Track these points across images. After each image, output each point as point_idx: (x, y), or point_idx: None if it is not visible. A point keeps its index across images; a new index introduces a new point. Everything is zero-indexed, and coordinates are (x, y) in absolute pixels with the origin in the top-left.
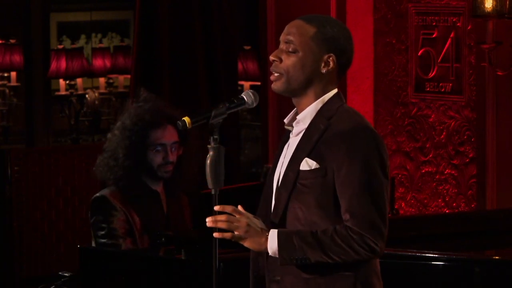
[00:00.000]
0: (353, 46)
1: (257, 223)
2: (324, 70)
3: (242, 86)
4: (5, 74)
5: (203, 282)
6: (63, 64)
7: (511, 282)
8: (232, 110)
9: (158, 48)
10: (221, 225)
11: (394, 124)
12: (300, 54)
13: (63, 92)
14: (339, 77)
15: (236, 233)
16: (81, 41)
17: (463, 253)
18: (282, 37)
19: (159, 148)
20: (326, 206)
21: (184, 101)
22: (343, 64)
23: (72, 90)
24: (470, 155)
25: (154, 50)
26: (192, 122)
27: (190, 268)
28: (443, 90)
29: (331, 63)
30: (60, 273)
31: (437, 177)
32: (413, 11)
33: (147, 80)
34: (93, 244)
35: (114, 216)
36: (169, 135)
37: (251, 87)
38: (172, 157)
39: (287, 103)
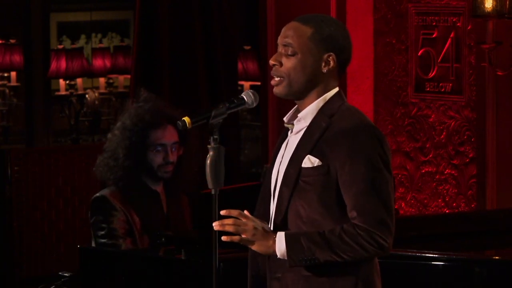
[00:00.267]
0: (351, 43)
1: (264, 226)
2: (325, 70)
3: (242, 86)
4: (5, 74)
5: (203, 282)
6: (63, 64)
7: (511, 282)
8: (232, 110)
9: (158, 48)
10: (228, 228)
11: (394, 124)
12: (300, 56)
13: (63, 92)
14: (339, 75)
15: (243, 236)
16: (81, 41)
17: (463, 253)
18: (280, 40)
19: (159, 148)
20: (328, 204)
21: (184, 101)
22: (343, 61)
23: (72, 90)
24: (470, 155)
25: (154, 50)
26: (192, 122)
27: (190, 268)
28: (443, 90)
29: (331, 62)
30: (60, 273)
31: (437, 177)
32: (413, 11)
33: (147, 80)
34: (93, 244)
35: (114, 216)
36: (169, 135)
37: (251, 87)
38: (172, 158)
39: (287, 103)
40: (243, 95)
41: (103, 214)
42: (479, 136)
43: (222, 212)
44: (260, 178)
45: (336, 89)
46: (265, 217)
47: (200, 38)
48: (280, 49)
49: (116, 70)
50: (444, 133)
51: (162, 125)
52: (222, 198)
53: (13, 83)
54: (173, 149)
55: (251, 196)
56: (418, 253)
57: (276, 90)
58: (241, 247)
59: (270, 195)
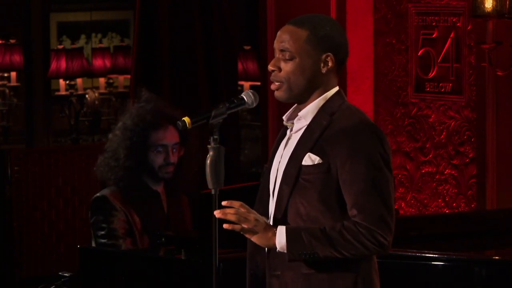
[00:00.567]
0: (347, 39)
1: (265, 219)
2: (324, 70)
3: (242, 86)
4: (5, 74)
5: (203, 282)
6: (63, 64)
7: (511, 282)
8: (232, 110)
9: (158, 48)
10: (230, 217)
11: (394, 124)
12: (298, 59)
13: (63, 92)
14: (338, 73)
15: (244, 226)
16: (81, 41)
17: (463, 253)
18: (276, 45)
19: (160, 149)
20: (328, 202)
21: (184, 101)
22: (341, 59)
23: (72, 90)
24: (470, 155)
25: (154, 50)
26: (192, 122)
27: (190, 268)
28: (443, 90)
29: (329, 62)
30: (60, 273)
31: (437, 177)
32: (413, 11)
33: (147, 80)
34: (93, 244)
35: (114, 216)
36: (170, 136)
37: (251, 87)
38: (173, 158)
39: (287, 103)
40: (243, 95)
41: (103, 214)
42: (479, 136)
43: (224, 203)
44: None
45: (336, 88)
46: (264, 217)
47: (200, 38)
48: (277, 54)
49: (116, 70)
50: (444, 133)
51: (163, 126)
52: (222, 198)
53: (13, 83)
54: (174, 150)
55: (251, 196)
56: (418, 253)
57: (277, 94)
58: (241, 247)
59: (269, 194)
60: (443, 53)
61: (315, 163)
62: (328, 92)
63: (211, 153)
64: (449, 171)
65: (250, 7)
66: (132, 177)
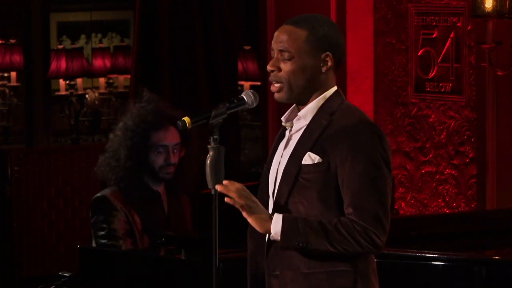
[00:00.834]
0: (344, 39)
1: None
2: (324, 69)
3: (242, 86)
4: (5, 74)
5: (203, 282)
6: (63, 64)
7: (511, 282)
8: (232, 110)
9: (158, 48)
10: (232, 193)
11: (394, 124)
12: (297, 59)
13: (63, 92)
14: (336, 73)
15: (243, 202)
16: (81, 41)
17: (463, 253)
18: (274, 46)
19: (161, 149)
20: (328, 201)
21: (184, 101)
22: (339, 59)
23: (72, 90)
24: (470, 155)
25: (154, 50)
26: (192, 122)
27: (190, 268)
28: (443, 90)
29: (329, 61)
30: (60, 273)
31: (437, 177)
32: (413, 11)
33: (147, 80)
34: (93, 244)
35: (114, 217)
36: (171, 137)
37: (251, 87)
38: (174, 159)
39: (287, 103)
40: (243, 95)
41: (103, 214)
42: (479, 136)
43: (225, 182)
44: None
45: (335, 88)
46: None
47: (200, 38)
48: (276, 54)
49: (116, 70)
50: (444, 133)
51: (164, 127)
52: (222, 198)
53: (13, 83)
54: (175, 151)
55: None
56: (418, 253)
57: (277, 96)
58: (241, 247)
59: (268, 195)
60: (443, 53)
61: (315, 162)
62: (327, 92)
63: (211, 153)
64: (449, 171)
65: (250, 7)
66: (132, 177)
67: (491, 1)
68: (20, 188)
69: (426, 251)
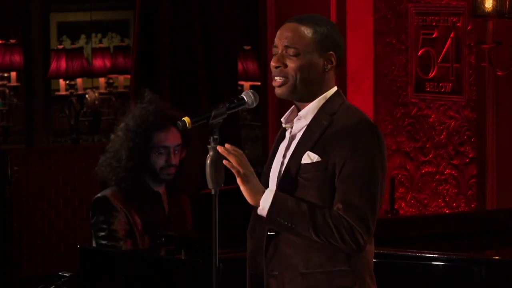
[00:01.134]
0: (344, 39)
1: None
2: (327, 68)
3: (242, 86)
4: (5, 74)
5: (203, 282)
6: (63, 64)
7: (511, 282)
8: (232, 110)
9: (158, 48)
10: (231, 157)
11: (394, 124)
12: (304, 56)
13: (63, 92)
14: (336, 73)
15: (240, 168)
16: (81, 41)
17: (463, 253)
18: (279, 42)
19: (162, 150)
20: (327, 201)
21: (184, 101)
22: (340, 59)
23: (72, 90)
24: (470, 155)
25: (154, 50)
26: (192, 122)
27: (190, 268)
28: (443, 90)
29: (333, 60)
30: (60, 273)
31: (437, 177)
32: (413, 11)
33: (147, 80)
34: (93, 245)
35: (115, 217)
36: (172, 138)
37: (251, 87)
38: (175, 160)
39: (287, 103)
40: (243, 95)
41: (104, 214)
42: (479, 136)
43: (227, 146)
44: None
45: (335, 88)
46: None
47: (200, 38)
48: (280, 50)
49: (116, 70)
50: (444, 133)
51: (166, 127)
52: (222, 198)
53: (13, 83)
54: (176, 152)
55: None
56: (418, 253)
57: (279, 91)
58: (241, 247)
59: None
60: (443, 53)
61: (314, 161)
62: (328, 92)
63: (211, 153)
64: (449, 171)
65: (250, 7)
66: (133, 178)
67: (491, 1)
68: (20, 188)
69: (426, 251)
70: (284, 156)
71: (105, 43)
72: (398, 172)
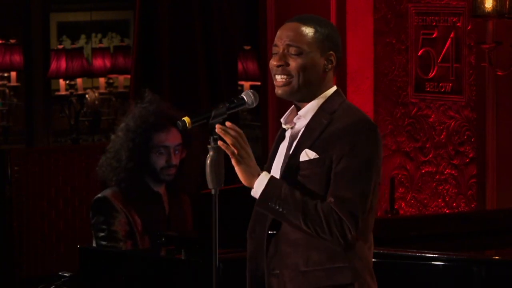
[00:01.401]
0: (342, 41)
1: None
2: (328, 68)
3: (242, 86)
4: (5, 74)
5: (203, 282)
6: (63, 64)
7: (511, 282)
8: (232, 110)
9: (158, 48)
10: (227, 138)
11: (394, 124)
12: (306, 55)
13: (63, 92)
14: (335, 73)
15: (235, 151)
16: (81, 41)
17: (463, 253)
18: (279, 42)
19: (162, 150)
20: (324, 197)
21: (184, 101)
22: (339, 59)
23: (72, 90)
24: (470, 155)
25: (154, 50)
26: (192, 122)
27: (190, 268)
28: (443, 90)
29: (333, 60)
30: (60, 273)
31: (437, 177)
32: (413, 11)
33: (147, 80)
34: (94, 245)
35: (115, 218)
36: (172, 138)
37: (251, 87)
38: (175, 160)
39: (286, 103)
40: (243, 95)
41: (104, 215)
42: (479, 136)
43: (228, 123)
44: None
45: (335, 88)
46: (263, 216)
47: (200, 38)
48: (282, 49)
49: (116, 70)
50: (444, 133)
51: (166, 128)
52: (222, 198)
53: (13, 83)
54: (176, 152)
55: (251, 196)
56: (418, 253)
57: (281, 90)
58: (241, 247)
59: None
60: (443, 53)
61: (311, 158)
62: (327, 91)
63: (211, 153)
64: (449, 171)
65: (250, 7)
66: (134, 178)
67: (491, 1)
68: (20, 188)
69: (426, 251)
70: (284, 156)
71: (105, 43)
72: (398, 172)
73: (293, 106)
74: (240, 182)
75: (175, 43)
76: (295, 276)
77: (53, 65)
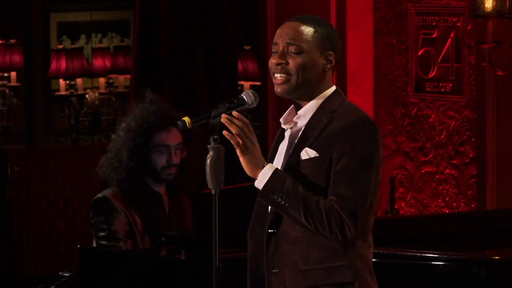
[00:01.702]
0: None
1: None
2: (327, 68)
3: (242, 86)
4: (5, 74)
5: (203, 282)
6: (63, 64)
7: (511, 282)
8: (232, 110)
9: (158, 48)
10: (233, 128)
11: (394, 124)
12: (306, 54)
13: (63, 92)
14: (334, 73)
15: (240, 141)
16: (81, 41)
17: (463, 253)
18: (279, 40)
19: (163, 150)
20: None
21: (184, 101)
22: (338, 59)
23: (72, 90)
24: (470, 155)
25: (154, 50)
26: (192, 122)
27: (190, 268)
28: (443, 90)
29: (332, 60)
30: (60, 273)
31: (437, 177)
32: (413, 11)
33: (147, 80)
34: (94, 244)
35: (115, 218)
36: (173, 138)
37: (251, 87)
38: (176, 160)
39: (286, 103)
40: (243, 95)
41: (104, 215)
42: (479, 136)
43: (234, 113)
44: None
45: (334, 87)
46: (263, 216)
47: (200, 38)
48: (281, 48)
49: (116, 70)
50: (444, 133)
51: (167, 128)
52: (222, 198)
53: (13, 83)
54: (177, 151)
55: (251, 196)
56: (418, 253)
57: (280, 88)
58: (241, 247)
59: None
60: (443, 53)
61: (311, 156)
62: (327, 91)
63: (211, 153)
64: (449, 171)
65: (250, 7)
66: (134, 178)
67: (491, 1)
68: (20, 188)
69: (426, 251)
70: (284, 155)
71: (105, 43)
72: (398, 172)
73: (292, 106)
74: (240, 182)
75: (175, 43)
76: (295, 275)
77: (53, 65)
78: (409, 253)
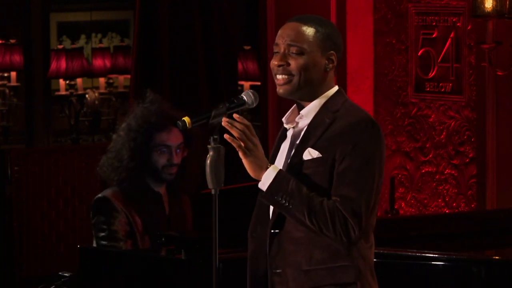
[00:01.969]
0: (342, 41)
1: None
2: (329, 68)
3: (242, 86)
4: (5, 74)
5: (203, 282)
6: (63, 64)
7: (511, 282)
8: (232, 110)
9: (158, 48)
10: (234, 131)
11: (394, 124)
12: (308, 55)
13: (63, 92)
14: (335, 73)
15: (243, 144)
16: (81, 41)
17: (463, 253)
18: (280, 41)
19: (164, 149)
20: (328, 195)
21: (184, 101)
22: (340, 59)
23: (72, 90)
24: (470, 155)
25: (154, 50)
26: (192, 122)
27: (190, 268)
28: (443, 90)
29: (334, 60)
30: (60, 273)
31: (437, 177)
32: (413, 11)
33: (147, 80)
34: (94, 244)
35: (115, 218)
36: (174, 137)
37: (251, 87)
38: (177, 159)
39: (287, 103)
40: (243, 95)
41: (104, 215)
42: (479, 136)
43: (235, 116)
44: None
45: (336, 87)
46: (264, 217)
47: (200, 38)
48: (283, 49)
49: (116, 70)
50: (444, 133)
51: (167, 127)
52: (222, 198)
53: (13, 83)
54: (178, 151)
55: (251, 196)
56: (418, 253)
57: (282, 89)
58: (241, 247)
59: None
60: (443, 53)
61: (314, 157)
62: (329, 91)
63: (211, 153)
64: (449, 171)
65: (250, 7)
66: (135, 178)
67: (491, 1)
68: (20, 188)
69: (426, 251)
70: (286, 155)
71: (105, 43)
72: (398, 172)
73: (294, 105)
74: (240, 182)
75: (175, 43)
76: (298, 275)
77: (53, 65)
78: (409, 253)
